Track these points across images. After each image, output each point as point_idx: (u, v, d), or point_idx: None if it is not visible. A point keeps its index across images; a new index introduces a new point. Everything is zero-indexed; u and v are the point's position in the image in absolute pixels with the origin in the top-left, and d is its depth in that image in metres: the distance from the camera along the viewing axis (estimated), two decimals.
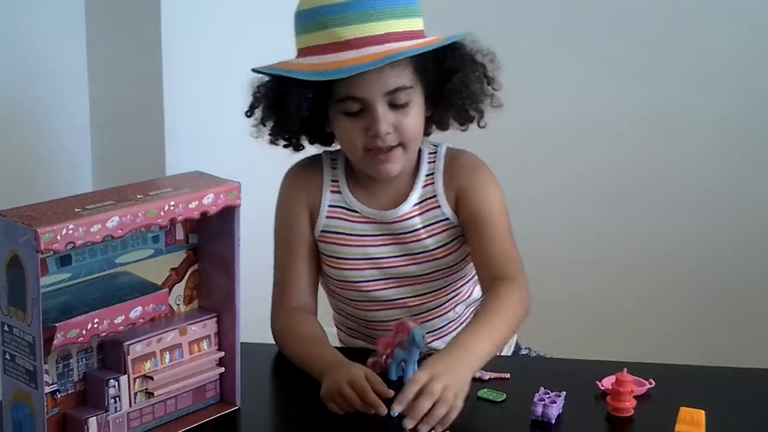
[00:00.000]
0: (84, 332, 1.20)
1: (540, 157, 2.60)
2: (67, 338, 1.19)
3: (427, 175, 1.56)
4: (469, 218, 1.53)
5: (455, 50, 1.49)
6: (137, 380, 1.27)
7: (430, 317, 1.60)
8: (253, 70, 1.49)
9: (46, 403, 1.18)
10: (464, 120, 1.55)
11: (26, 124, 1.88)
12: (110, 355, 1.27)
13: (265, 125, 1.54)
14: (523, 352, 1.74)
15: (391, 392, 1.29)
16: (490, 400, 1.38)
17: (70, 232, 1.14)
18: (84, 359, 1.26)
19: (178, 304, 1.36)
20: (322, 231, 1.57)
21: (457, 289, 1.62)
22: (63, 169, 1.96)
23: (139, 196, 1.24)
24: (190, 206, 1.27)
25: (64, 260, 1.22)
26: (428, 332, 1.54)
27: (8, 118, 1.84)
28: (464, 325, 1.56)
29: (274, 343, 1.54)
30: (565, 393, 1.33)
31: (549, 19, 2.54)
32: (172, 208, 1.24)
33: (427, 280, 1.58)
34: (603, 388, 1.38)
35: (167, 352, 1.31)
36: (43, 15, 1.90)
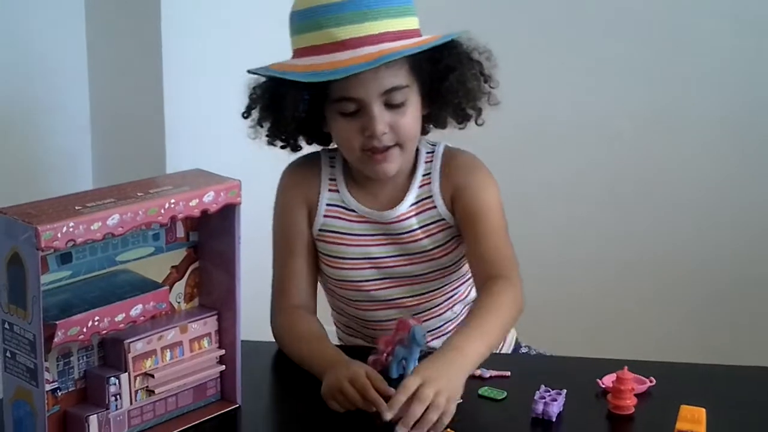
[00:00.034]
0: (84, 330, 1.20)
1: (540, 157, 2.60)
2: (68, 336, 1.19)
3: (423, 175, 1.56)
4: (464, 217, 1.53)
5: (451, 48, 1.49)
6: (138, 378, 1.27)
7: (428, 317, 1.60)
8: (249, 71, 1.49)
9: (46, 401, 1.18)
10: (462, 118, 1.54)
11: (26, 124, 1.89)
12: (111, 352, 1.27)
13: (262, 126, 1.53)
14: (523, 350, 1.74)
15: (392, 390, 1.29)
16: (491, 398, 1.38)
17: (71, 229, 1.14)
18: (84, 357, 1.26)
19: (179, 302, 1.36)
20: (319, 230, 1.57)
21: (455, 288, 1.62)
22: (63, 168, 1.96)
23: (139, 194, 1.24)
24: (190, 204, 1.27)
25: (65, 258, 1.22)
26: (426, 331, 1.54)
27: (9, 118, 1.84)
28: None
29: (274, 341, 1.54)
30: (565, 391, 1.34)
31: (549, 18, 2.54)
32: (172, 205, 1.24)
33: (424, 280, 1.58)
34: (604, 386, 1.38)
35: (168, 350, 1.31)
36: (43, 15, 1.90)
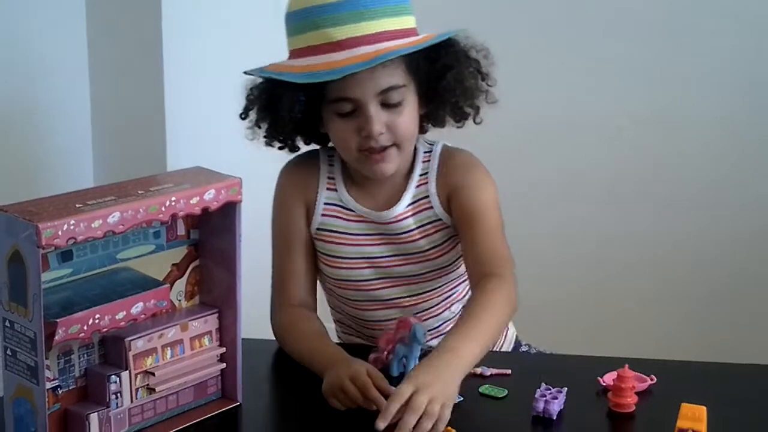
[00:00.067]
0: (85, 328, 1.20)
1: (540, 156, 2.60)
2: (69, 334, 1.19)
3: (420, 175, 1.55)
4: (460, 216, 1.52)
5: (448, 47, 1.48)
6: (138, 376, 1.27)
7: (426, 317, 1.60)
8: (245, 73, 1.48)
9: (47, 399, 1.18)
10: (459, 117, 1.54)
11: (27, 123, 1.89)
12: (111, 350, 1.27)
13: (259, 127, 1.53)
14: (523, 348, 1.74)
15: (393, 389, 1.28)
16: (492, 396, 1.38)
17: (72, 227, 1.14)
18: (85, 355, 1.26)
19: (180, 300, 1.36)
20: (317, 229, 1.57)
21: (452, 288, 1.62)
22: (64, 166, 1.96)
23: (140, 192, 1.24)
24: (191, 202, 1.27)
25: (66, 256, 1.22)
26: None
27: (10, 117, 1.84)
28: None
29: (275, 339, 1.54)
30: (566, 389, 1.34)
31: (549, 18, 2.54)
32: (173, 203, 1.24)
33: (421, 280, 1.58)
34: (604, 384, 1.38)
35: (168, 348, 1.31)
36: (44, 15, 1.90)
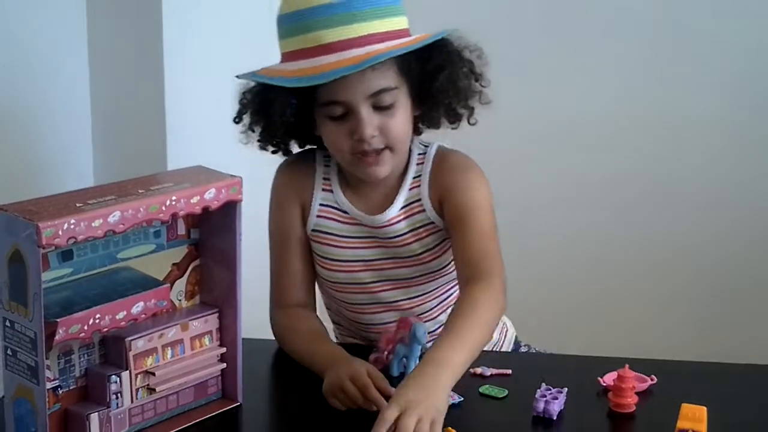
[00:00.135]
0: (85, 328, 1.20)
1: (540, 156, 2.59)
2: (69, 334, 1.19)
3: (414, 178, 1.54)
4: (450, 217, 1.50)
5: (441, 47, 1.46)
6: (139, 376, 1.27)
7: (424, 320, 1.58)
8: (237, 77, 1.47)
9: (47, 399, 1.18)
10: (454, 118, 1.52)
11: (28, 122, 1.88)
12: (112, 350, 1.27)
13: (253, 131, 1.52)
14: (523, 349, 1.74)
15: (393, 389, 1.28)
16: (492, 396, 1.38)
17: (72, 227, 1.13)
18: (85, 355, 1.26)
19: (180, 300, 1.36)
20: (313, 230, 1.57)
21: (447, 291, 1.60)
22: (64, 168, 1.96)
23: (140, 191, 1.24)
24: (191, 201, 1.26)
25: (66, 255, 1.22)
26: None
27: (10, 116, 1.84)
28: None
29: (275, 339, 1.54)
30: (566, 389, 1.33)
31: (549, 18, 2.53)
32: (173, 203, 1.24)
33: (415, 283, 1.57)
34: (605, 384, 1.38)
35: (169, 348, 1.31)
36: (44, 15, 1.90)
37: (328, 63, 1.36)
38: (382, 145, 1.45)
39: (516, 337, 1.75)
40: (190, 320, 1.33)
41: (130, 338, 1.26)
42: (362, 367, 1.35)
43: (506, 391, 1.38)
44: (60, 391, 1.23)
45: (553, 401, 1.30)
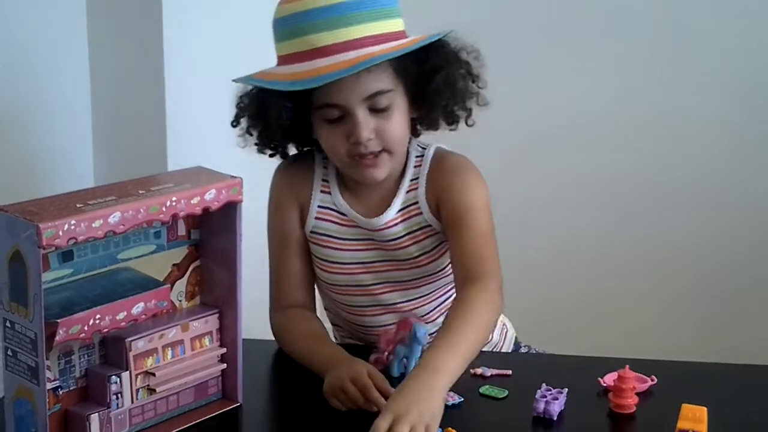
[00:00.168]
0: (86, 328, 1.20)
1: (540, 157, 2.59)
2: (69, 334, 1.19)
3: (411, 180, 1.53)
4: (447, 219, 1.50)
5: (437, 49, 1.45)
6: (139, 376, 1.27)
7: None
8: (234, 81, 1.47)
9: (47, 400, 1.18)
10: (451, 119, 1.51)
11: (28, 122, 1.88)
12: (112, 351, 1.27)
13: (251, 134, 1.52)
14: (523, 350, 1.74)
15: (393, 390, 1.28)
16: (492, 397, 1.38)
17: (72, 227, 1.13)
18: (86, 355, 1.26)
19: (180, 300, 1.36)
20: (311, 231, 1.56)
21: (446, 293, 1.60)
22: (64, 168, 1.96)
23: (140, 192, 1.24)
24: (191, 202, 1.26)
25: (66, 256, 1.22)
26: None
27: (10, 116, 1.84)
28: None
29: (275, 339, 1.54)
30: (567, 390, 1.34)
31: (549, 18, 2.53)
32: (173, 203, 1.24)
33: (413, 285, 1.57)
34: (605, 384, 1.38)
35: (169, 349, 1.31)
36: (44, 15, 1.90)
37: (323, 66, 1.36)
38: (378, 148, 1.45)
39: (516, 337, 1.75)
40: (191, 321, 1.33)
41: (130, 339, 1.26)
42: (363, 368, 1.35)
43: (506, 392, 1.38)
44: (60, 392, 1.23)
45: (553, 402, 1.30)
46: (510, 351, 1.71)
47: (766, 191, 2.49)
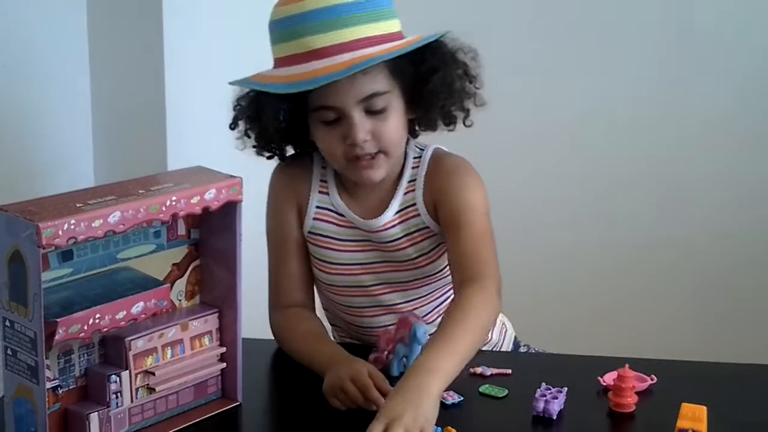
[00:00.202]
0: (85, 328, 1.20)
1: (542, 157, 2.59)
2: (69, 334, 1.19)
3: (409, 182, 1.53)
4: (445, 220, 1.49)
5: (434, 50, 1.45)
6: (138, 376, 1.27)
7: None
8: (231, 83, 1.47)
9: (47, 399, 1.18)
10: (449, 120, 1.51)
11: (27, 123, 1.88)
12: (112, 350, 1.27)
13: (249, 137, 1.52)
14: (522, 349, 1.74)
15: (393, 389, 1.28)
16: (492, 396, 1.38)
17: (72, 227, 1.13)
18: (85, 355, 1.26)
19: (180, 300, 1.36)
20: (309, 232, 1.56)
21: (444, 294, 1.60)
22: (64, 168, 1.96)
23: (140, 192, 1.24)
24: (191, 201, 1.26)
25: (66, 255, 1.22)
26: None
27: (9, 118, 1.84)
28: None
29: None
30: (566, 389, 1.34)
31: (550, 18, 2.53)
32: (173, 203, 1.24)
33: (411, 287, 1.57)
34: (605, 383, 1.38)
35: (168, 348, 1.31)
36: (44, 14, 1.90)
37: (319, 68, 1.36)
38: (375, 150, 1.45)
39: (515, 337, 1.75)
40: (190, 320, 1.33)
41: (129, 338, 1.26)
42: (363, 368, 1.35)
43: (506, 391, 1.38)
44: (60, 391, 1.23)
45: (552, 401, 1.30)
46: (509, 350, 1.71)
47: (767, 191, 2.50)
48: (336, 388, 1.34)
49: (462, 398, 1.36)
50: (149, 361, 1.28)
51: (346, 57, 1.36)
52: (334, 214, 1.55)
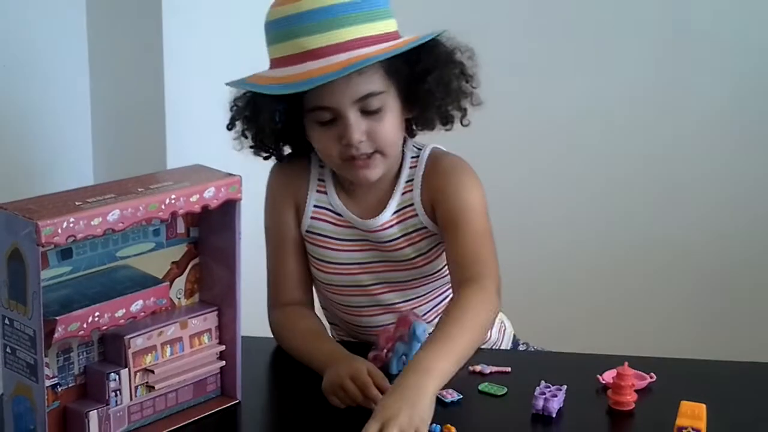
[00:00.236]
0: (85, 326, 1.20)
1: (541, 156, 2.59)
2: (68, 332, 1.19)
3: (406, 182, 1.53)
4: (443, 220, 1.49)
5: (430, 49, 1.45)
6: (138, 374, 1.28)
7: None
8: (227, 84, 1.47)
9: (46, 397, 1.18)
10: (446, 119, 1.51)
11: (27, 123, 1.89)
12: (111, 348, 1.27)
13: (246, 137, 1.52)
14: (521, 347, 1.74)
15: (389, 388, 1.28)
16: (491, 394, 1.38)
17: (71, 225, 1.14)
18: (85, 353, 1.26)
19: (179, 298, 1.36)
20: (307, 231, 1.56)
21: (442, 294, 1.60)
22: (64, 166, 1.96)
23: (140, 190, 1.24)
24: (191, 200, 1.27)
25: (65, 253, 1.22)
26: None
27: (9, 117, 1.85)
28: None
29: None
30: (566, 387, 1.34)
31: (549, 18, 2.53)
32: (173, 201, 1.24)
33: (409, 286, 1.57)
34: (604, 381, 1.38)
35: (168, 346, 1.31)
36: (44, 14, 1.90)
37: (314, 69, 1.36)
38: (370, 150, 1.44)
39: (514, 335, 1.75)
40: (190, 318, 1.34)
41: (129, 336, 1.26)
42: (362, 366, 1.35)
43: (505, 389, 1.38)
44: (59, 389, 1.23)
45: (552, 399, 1.31)
46: (509, 349, 1.71)
47: (766, 191, 2.49)
48: (335, 386, 1.34)
49: (461, 396, 1.36)
50: (148, 359, 1.28)
51: (342, 57, 1.36)
52: (332, 214, 1.55)
